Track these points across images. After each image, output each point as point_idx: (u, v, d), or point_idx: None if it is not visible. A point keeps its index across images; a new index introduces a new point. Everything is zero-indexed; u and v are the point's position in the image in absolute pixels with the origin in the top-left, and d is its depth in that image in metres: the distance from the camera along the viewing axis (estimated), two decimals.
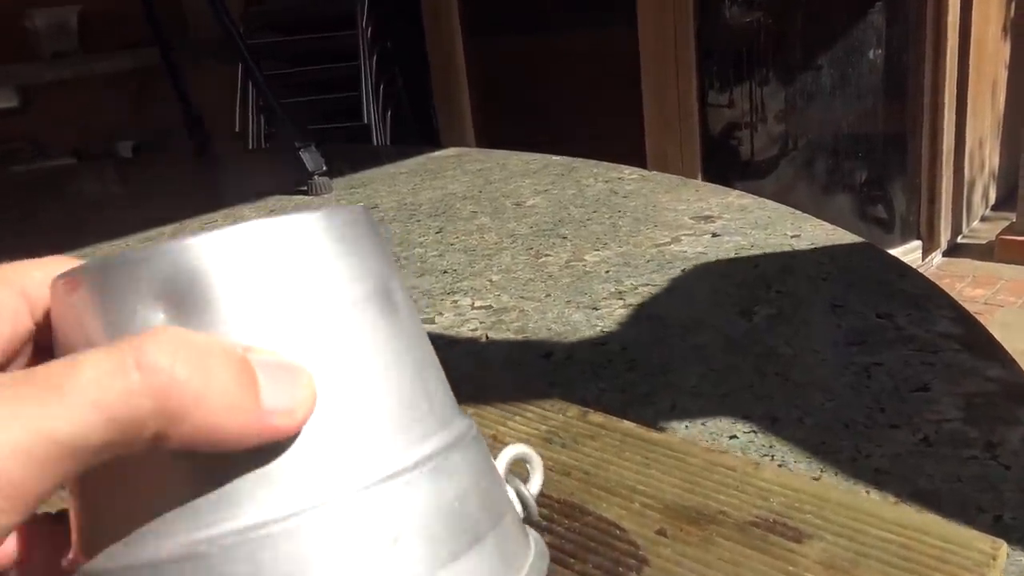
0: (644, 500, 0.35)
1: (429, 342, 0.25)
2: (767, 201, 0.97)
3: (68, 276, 0.21)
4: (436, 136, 3.56)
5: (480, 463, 0.24)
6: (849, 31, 3.02)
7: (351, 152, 1.79)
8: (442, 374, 0.25)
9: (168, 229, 1.28)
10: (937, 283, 0.69)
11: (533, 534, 0.26)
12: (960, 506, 0.41)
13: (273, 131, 3.46)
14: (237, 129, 3.52)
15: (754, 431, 0.50)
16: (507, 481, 0.27)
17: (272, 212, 1.31)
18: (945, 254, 3.09)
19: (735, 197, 1.01)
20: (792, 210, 0.92)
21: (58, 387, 0.16)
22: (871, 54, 3.10)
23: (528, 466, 0.28)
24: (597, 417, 0.43)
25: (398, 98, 3.52)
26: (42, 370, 0.17)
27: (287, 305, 0.21)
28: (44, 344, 0.23)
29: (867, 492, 0.43)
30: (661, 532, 0.33)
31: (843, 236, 0.83)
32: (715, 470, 0.37)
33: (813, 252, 0.79)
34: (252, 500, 0.20)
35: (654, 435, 0.40)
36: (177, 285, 0.20)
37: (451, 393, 0.25)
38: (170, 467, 0.19)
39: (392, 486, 0.21)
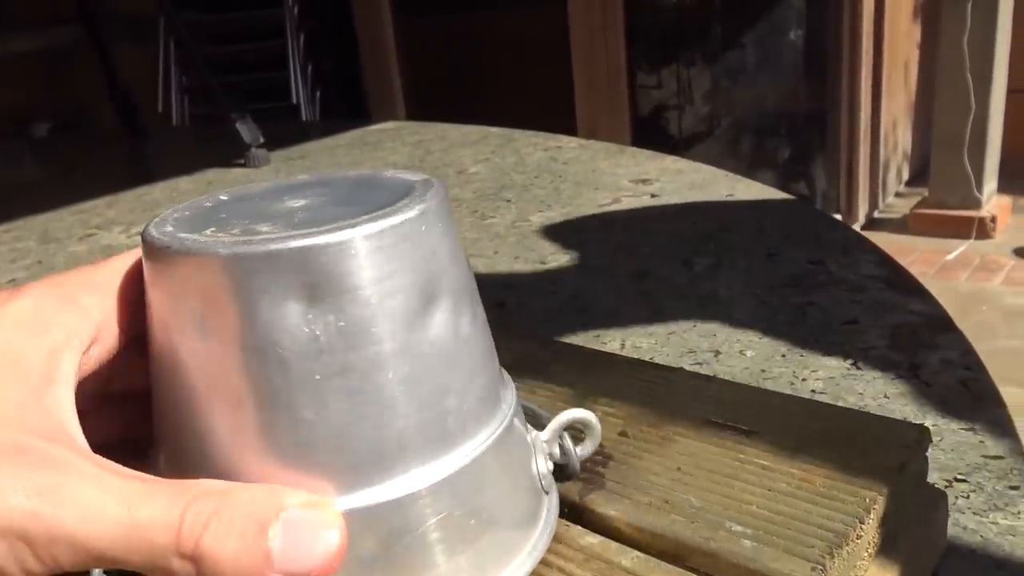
0: (606, 409, 0.38)
1: None
2: (701, 165, 1.02)
3: (199, 256, 0.23)
4: (366, 114, 3.54)
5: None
6: (770, 13, 3.11)
7: (285, 128, 1.78)
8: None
9: (102, 201, 1.27)
10: None
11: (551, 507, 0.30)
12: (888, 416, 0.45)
13: (198, 111, 3.40)
14: (160, 109, 3.44)
15: (699, 363, 0.54)
16: (559, 439, 0.32)
17: (211, 184, 1.30)
18: (863, 228, 3.22)
19: (671, 162, 1.05)
20: (726, 172, 0.97)
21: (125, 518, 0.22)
22: (792, 35, 3.20)
23: (585, 429, 0.32)
24: (558, 345, 0.45)
25: (327, 77, 3.49)
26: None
27: (413, 297, 0.24)
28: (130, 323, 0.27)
29: None
30: (623, 433, 0.36)
31: (775, 194, 0.87)
32: (670, 383, 0.40)
33: (748, 209, 0.83)
34: None
35: (612, 357, 0.43)
36: (312, 282, 0.23)
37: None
38: None
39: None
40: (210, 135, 1.94)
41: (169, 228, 0.25)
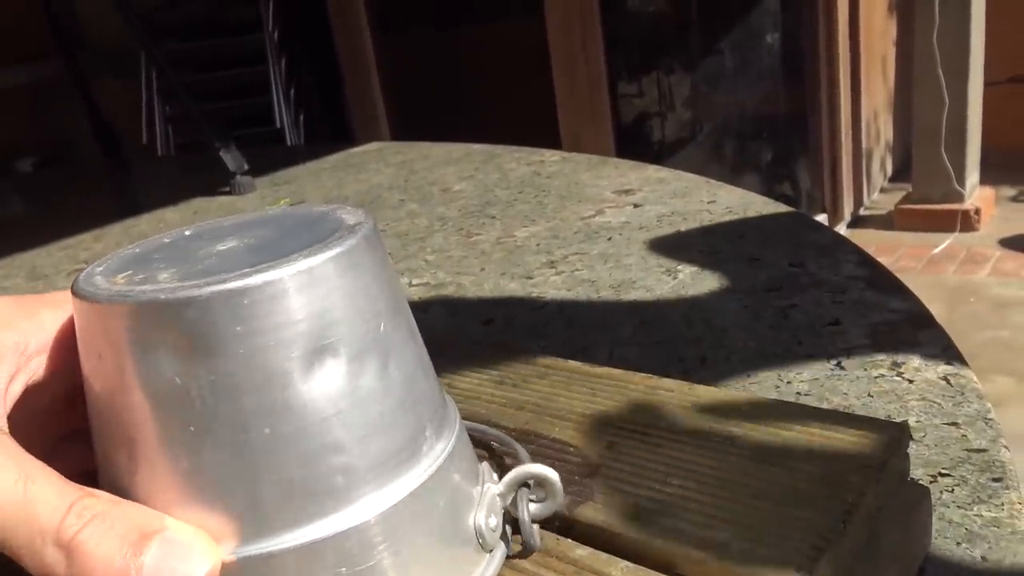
0: (593, 422, 0.39)
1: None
2: (683, 173, 1.02)
3: (115, 303, 0.24)
4: (351, 136, 3.55)
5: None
6: (747, 17, 3.13)
7: (270, 154, 1.79)
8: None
9: (88, 236, 1.27)
10: None
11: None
12: (871, 415, 0.46)
13: (183, 141, 3.40)
14: (144, 141, 3.44)
15: (686, 370, 0.55)
16: (518, 501, 0.29)
17: (196, 214, 1.31)
18: (849, 226, 3.24)
19: (653, 171, 1.06)
20: (707, 180, 0.98)
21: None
22: (769, 38, 3.22)
23: (544, 488, 0.30)
24: (544, 359, 0.46)
25: (310, 100, 3.49)
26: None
27: (292, 353, 0.24)
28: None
29: None
30: (611, 444, 0.37)
31: (755, 199, 0.88)
32: (655, 393, 0.40)
33: (729, 215, 0.84)
34: None
35: (597, 369, 0.43)
36: (181, 336, 0.23)
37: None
38: None
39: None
40: (195, 164, 1.94)
41: (99, 268, 0.26)
